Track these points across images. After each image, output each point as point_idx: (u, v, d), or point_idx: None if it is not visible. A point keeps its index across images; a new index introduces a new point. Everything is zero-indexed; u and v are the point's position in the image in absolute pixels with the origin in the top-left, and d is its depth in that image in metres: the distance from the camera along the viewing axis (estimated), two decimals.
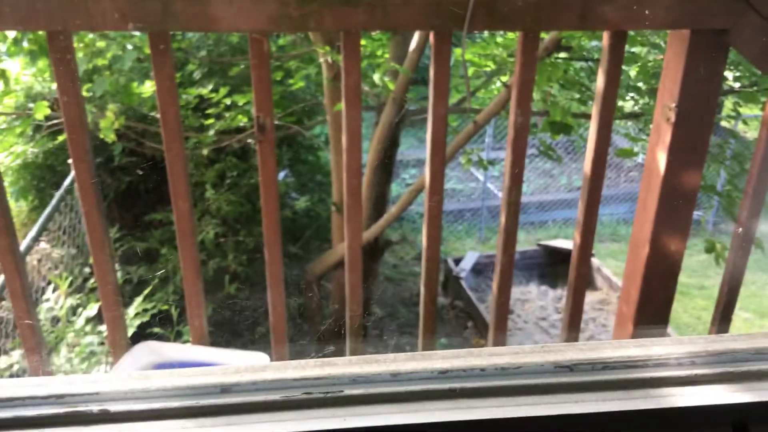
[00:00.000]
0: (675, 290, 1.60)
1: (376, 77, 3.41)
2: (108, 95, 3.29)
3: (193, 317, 1.54)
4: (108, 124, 2.93)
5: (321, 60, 3.37)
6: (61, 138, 3.48)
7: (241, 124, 3.55)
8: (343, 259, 1.56)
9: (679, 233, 1.51)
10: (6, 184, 3.70)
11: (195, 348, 1.58)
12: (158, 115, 1.33)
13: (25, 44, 2.89)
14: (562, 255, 5.54)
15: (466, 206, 7.47)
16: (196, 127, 3.67)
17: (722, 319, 1.57)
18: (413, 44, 3.34)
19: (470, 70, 3.36)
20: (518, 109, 1.41)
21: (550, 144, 3.32)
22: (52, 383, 0.64)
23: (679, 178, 1.45)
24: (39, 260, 3.38)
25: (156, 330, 2.95)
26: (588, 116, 3.05)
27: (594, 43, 3.22)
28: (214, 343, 1.62)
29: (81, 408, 0.61)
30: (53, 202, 3.31)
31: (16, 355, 2.55)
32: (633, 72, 3.04)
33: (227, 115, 3.55)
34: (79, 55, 2.97)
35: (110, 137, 2.97)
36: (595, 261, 5.69)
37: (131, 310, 2.86)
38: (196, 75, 3.82)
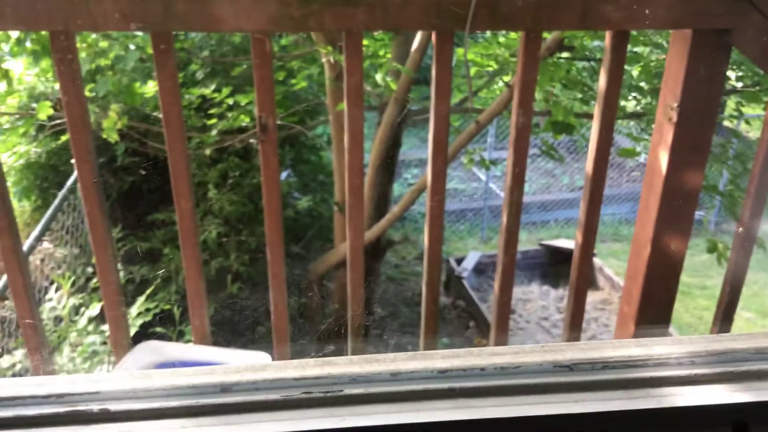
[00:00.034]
0: (677, 290, 1.60)
1: (378, 77, 3.42)
2: (111, 95, 3.29)
3: (195, 317, 1.55)
4: (111, 124, 2.93)
5: (323, 60, 3.37)
6: (64, 138, 3.49)
7: (244, 124, 3.56)
8: (345, 258, 1.56)
9: (681, 233, 1.51)
10: (9, 183, 3.71)
11: (197, 347, 1.58)
12: (161, 115, 1.34)
13: (28, 44, 2.89)
14: (564, 255, 5.54)
15: (468, 206, 7.46)
16: (199, 127, 3.68)
17: (724, 318, 1.56)
18: (415, 44, 3.35)
19: (472, 70, 3.36)
20: (520, 109, 1.41)
21: (552, 144, 3.32)
22: (52, 382, 0.64)
23: (681, 177, 1.44)
24: (42, 260, 3.39)
25: (158, 329, 2.95)
26: (590, 116, 3.04)
27: (596, 42, 3.22)
28: (216, 343, 1.62)
29: (81, 407, 0.62)
30: (56, 201, 3.32)
31: (19, 354, 2.56)
32: (635, 72, 3.04)
33: (230, 115, 3.55)
34: (82, 55, 2.98)
35: (113, 137, 2.98)
36: (597, 261, 5.68)
37: (134, 310, 2.87)
38: (199, 75, 3.82)
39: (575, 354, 0.68)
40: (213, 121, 3.56)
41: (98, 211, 1.39)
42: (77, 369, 2.51)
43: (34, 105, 3.29)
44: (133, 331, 2.71)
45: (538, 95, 2.98)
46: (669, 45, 1.43)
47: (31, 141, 3.78)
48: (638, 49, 2.99)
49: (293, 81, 3.93)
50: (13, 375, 2.49)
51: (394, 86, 3.41)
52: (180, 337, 2.97)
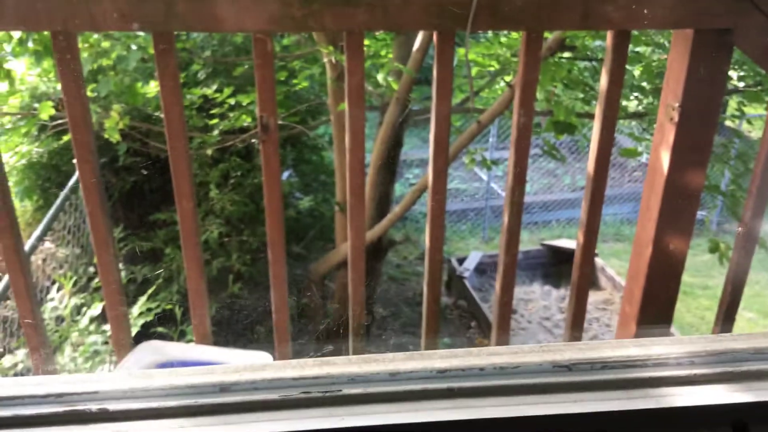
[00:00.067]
0: (678, 290, 1.60)
1: (380, 77, 3.42)
2: (112, 95, 3.30)
3: (197, 317, 1.55)
4: (113, 124, 2.94)
5: (325, 60, 3.38)
6: (66, 138, 3.49)
7: (245, 124, 3.56)
8: (346, 258, 1.56)
9: (683, 233, 1.50)
10: (11, 183, 3.72)
11: (198, 347, 1.58)
12: (162, 115, 1.34)
13: (30, 44, 2.90)
14: (566, 255, 5.53)
15: (470, 206, 7.46)
16: (201, 127, 3.68)
17: (725, 319, 1.56)
18: (417, 44, 3.35)
19: (474, 70, 3.36)
20: (521, 109, 1.40)
21: (553, 144, 3.32)
22: (51, 382, 0.64)
23: (683, 177, 1.44)
24: (44, 260, 3.39)
25: (159, 329, 2.95)
26: (592, 116, 3.04)
27: (598, 42, 3.21)
28: (217, 343, 1.62)
29: (80, 407, 0.62)
30: (58, 201, 3.32)
31: (21, 354, 2.56)
32: (637, 72, 3.03)
33: (231, 115, 3.56)
34: (84, 55, 2.98)
35: (115, 137, 2.98)
36: (599, 261, 5.68)
37: (135, 310, 2.87)
38: (201, 75, 3.83)
39: (574, 354, 0.68)
40: (215, 121, 3.57)
41: (99, 211, 1.39)
42: (79, 369, 2.52)
43: (36, 105, 3.29)
44: (134, 330, 2.71)
45: (539, 95, 2.97)
46: (670, 45, 1.42)
47: (33, 141, 3.79)
48: (640, 48, 2.99)
49: (295, 81, 3.94)
50: (15, 375, 2.49)
51: (395, 86, 3.41)
52: (181, 336, 2.97)
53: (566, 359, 0.67)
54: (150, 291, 3.06)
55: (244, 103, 3.56)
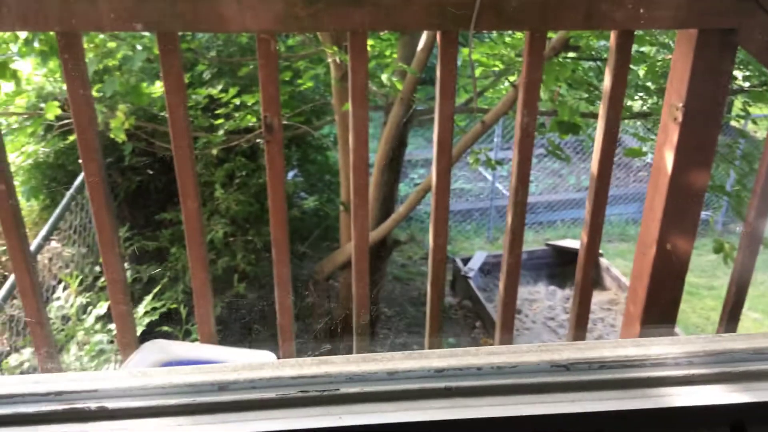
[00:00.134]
0: (682, 290, 1.59)
1: (384, 77, 3.42)
2: (118, 95, 3.31)
3: (202, 316, 1.55)
4: (118, 124, 2.95)
5: (329, 60, 3.38)
6: (71, 138, 3.51)
7: (251, 124, 3.57)
8: (350, 258, 1.56)
9: (687, 233, 1.50)
10: (17, 183, 3.74)
11: (203, 346, 1.58)
12: (167, 115, 1.34)
13: (36, 45, 2.91)
14: (571, 255, 5.52)
15: (475, 206, 7.46)
16: (206, 127, 3.69)
17: (730, 319, 1.56)
18: (421, 44, 3.35)
19: (478, 70, 3.35)
20: (525, 110, 1.40)
21: (558, 144, 3.31)
22: (51, 380, 0.64)
23: (687, 177, 1.44)
24: (50, 259, 3.40)
25: (165, 328, 2.96)
26: (596, 116, 3.03)
27: (602, 42, 3.21)
28: (222, 342, 1.63)
29: (79, 405, 0.62)
30: (64, 201, 3.34)
31: (27, 352, 2.57)
32: (642, 71, 3.03)
33: (236, 115, 3.57)
34: (90, 55, 2.99)
35: (120, 137, 2.99)
36: (603, 261, 5.67)
37: (140, 309, 2.88)
38: (206, 75, 3.84)
39: (572, 354, 0.68)
40: (220, 121, 3.58)
41: (105, 211, 1.40)
42: (84, 367, 2.53)
43: (43, 105, 3.31)
44: (140, 329, 2.71)
45: (543, 95, 2.97)
46: (675, 45, 1.42)
47: (39, 141, 3.81)
48: (644, 48, 2.98)
49: (299, 81, 3.94)
50: (21, 373, 2.50)
51: (399, 86, 3.42)
52: (186, 336, 2.98)
53: (564, 359, 0.67)
54: (155, 290, 3.07)
55: (249, 103, 3.57)
